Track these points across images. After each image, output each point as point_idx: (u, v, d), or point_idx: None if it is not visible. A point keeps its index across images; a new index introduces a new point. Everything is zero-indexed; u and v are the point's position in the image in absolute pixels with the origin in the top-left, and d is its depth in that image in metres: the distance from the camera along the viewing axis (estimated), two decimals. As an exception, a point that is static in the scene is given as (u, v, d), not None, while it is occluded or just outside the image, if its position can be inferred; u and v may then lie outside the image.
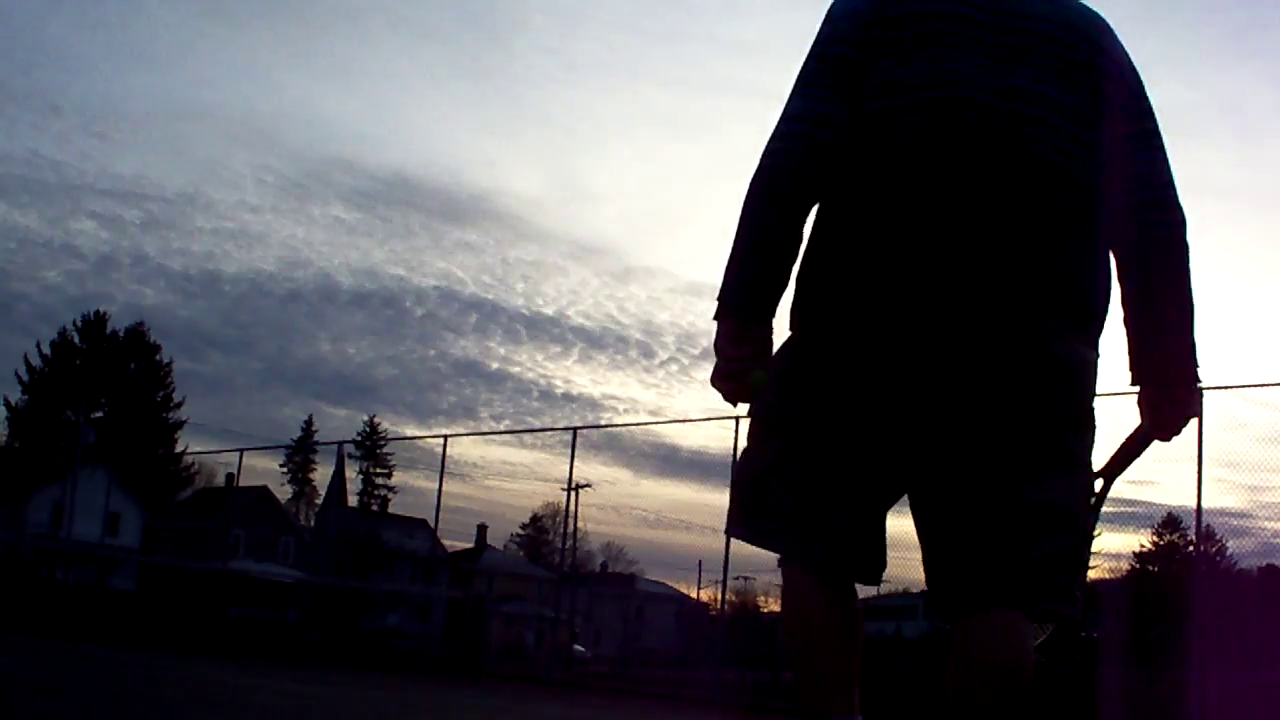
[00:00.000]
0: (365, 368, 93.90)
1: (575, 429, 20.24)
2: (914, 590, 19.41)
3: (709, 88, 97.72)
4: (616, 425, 43.39)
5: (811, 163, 2.06)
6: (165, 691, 7.73)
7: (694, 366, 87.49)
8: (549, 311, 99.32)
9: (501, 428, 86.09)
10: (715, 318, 2.12)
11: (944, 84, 2.03)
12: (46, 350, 61.61)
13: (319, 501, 61.31)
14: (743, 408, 2.19)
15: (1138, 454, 2.40)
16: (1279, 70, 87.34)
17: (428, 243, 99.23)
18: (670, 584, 58.80)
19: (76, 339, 62.24)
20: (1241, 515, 16.21)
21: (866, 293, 2.06)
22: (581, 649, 47.16)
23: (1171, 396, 2.29)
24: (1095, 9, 2.29)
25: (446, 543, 45.90)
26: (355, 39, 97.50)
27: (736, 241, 2.12)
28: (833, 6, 2.20)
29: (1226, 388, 13.43)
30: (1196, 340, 2.24)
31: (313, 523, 58.69)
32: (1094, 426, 2.21)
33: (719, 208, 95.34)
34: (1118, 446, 2.40)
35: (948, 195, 2.03)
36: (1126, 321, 2.31)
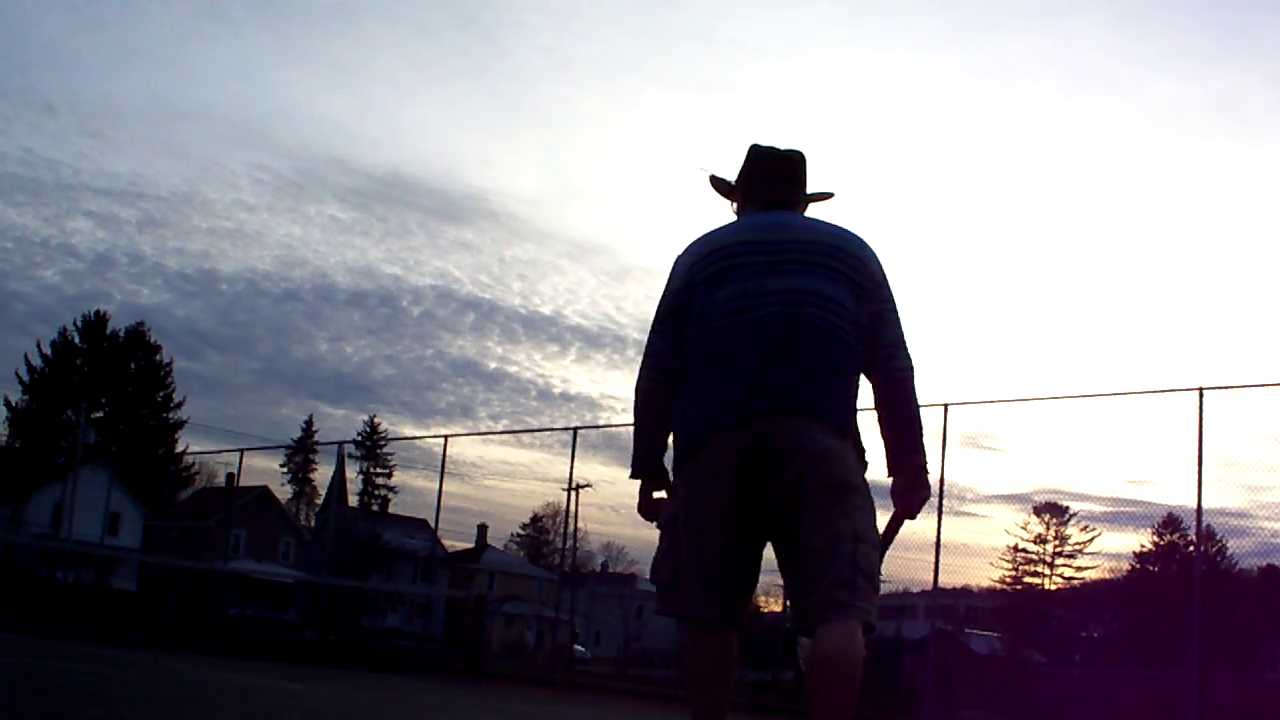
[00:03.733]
0: (363, 367, 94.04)
1: (575, 429, 20.24)
2: (914, 590, 19.40)
3: (704, 86, 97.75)
4: (616, 425, 43.30)
5: (673, 383, 3.36)
6: (165, 691, 7.73)
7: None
8: (546, 311, 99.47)
9: (500, 427, 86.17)
10: (632, 477, 3.49)
11: (744, 295, 3.26)
12: (47, 350, 61.65)
13: (319, 501, 61.32)
14: None
15: (895, 533, 3.43)
16: (1274, 69, 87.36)
17: (424, 242, 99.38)
18: (670, 584, 58.59)
19: (77, 339, 62.24)
20: (1241, 515, 16.21)
21: (693, 432, 3.24)
22: (581, 649, 47.15)
23: (911, 485, 3.39)
24: (856, 235, 3.42)
25: (446, 543, 45.82)
26: (351, 38, 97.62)
27: (637, 432, 3.44)
28: (669, 277, 3.44)
29: (1226, 388, 13.45)
30: (924, 445, 3.40)
31: (313, 523, 58.68)
32: (856, 488, 3.19)
33: (716, 206, 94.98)
34: (884, 529, 3.34)
35: (747, 356, 3.21)
36: (882, 432, 3.40)
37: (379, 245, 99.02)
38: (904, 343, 3.38)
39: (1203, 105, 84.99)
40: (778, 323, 3.21)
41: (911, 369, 3.37)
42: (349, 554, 42.32)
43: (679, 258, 3.46)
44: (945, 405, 15.30)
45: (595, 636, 55.93)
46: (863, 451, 3.33)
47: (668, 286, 3.45)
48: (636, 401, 3.42)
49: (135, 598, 35.40)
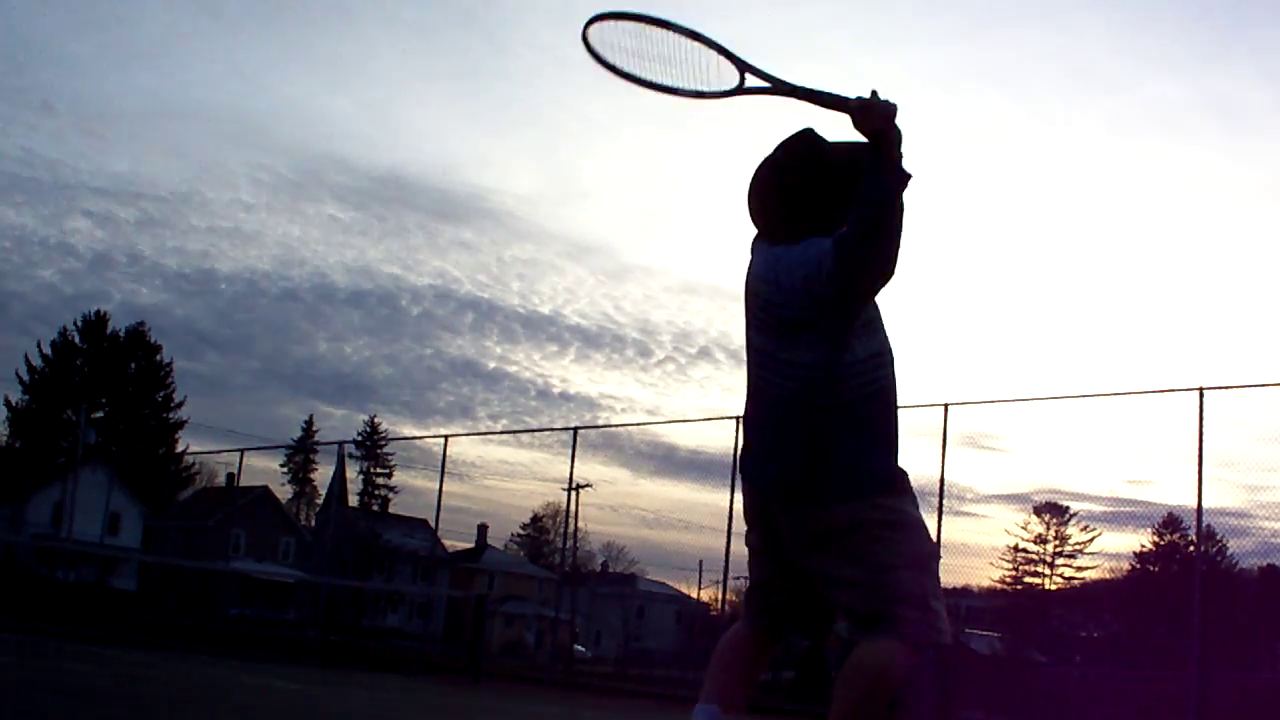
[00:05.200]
0: (362, 367, 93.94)
1: (576, 429, 20.24)
2: (914, 590, 19.36)
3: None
4: (616, 425, 43.35)
5: None
6: (166, 692, 7.73)
7: (690, 365, 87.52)
8: (545, 310, 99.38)
9: (499, 427, 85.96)
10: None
11: (759, 356, 3.17)
12: (47, 350, 61.66)
13: (319, 501, 61.25)
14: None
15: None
16: (1272, 68, 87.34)
17: (423, 241, 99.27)
18: (670, 584, 58.79)
19: (77, 339, 62.23)
20: (1241, 515, 16.20)
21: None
22: (581, 649, 47.16)
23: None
24: (816, 252, 2.99)
25: (446, 543, 45.87)
26: (349, 37, 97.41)
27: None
28: None
29: (1226, 388, 13.44)
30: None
31: (313, 523, 58.67)
32: (878, 523, 3.08)
33: (714, 206, 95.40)
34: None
35: (762, 418, 3.15)
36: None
37: (378, 245, 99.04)
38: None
39: (1200, 105, 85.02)
40: (778, 397, 3.09)
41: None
42: (349, 554, 42.27)
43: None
44: (945, 405, 15.30)
45: (595, 636, 55.94)
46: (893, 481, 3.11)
47: None
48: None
49: (135, 598, 35.38)
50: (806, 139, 3.14)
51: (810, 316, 2.99)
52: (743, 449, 3.30)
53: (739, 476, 3.39)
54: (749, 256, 3.21)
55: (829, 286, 2.95)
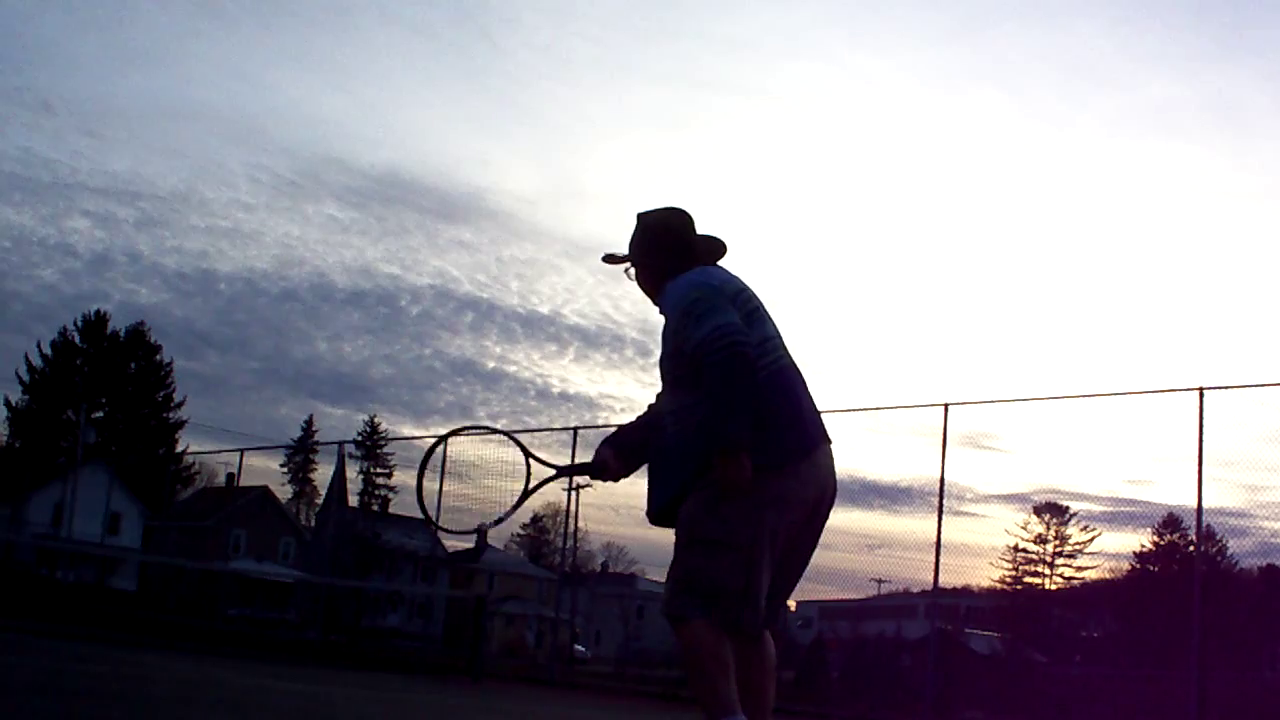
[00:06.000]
0: (361, 367, 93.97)
1: (576, 429, 20.23)
2: (914, 590, 19.39)
3: (701, 84, 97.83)
4: (616, 425, 43.31)
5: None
6: (166, 692, 7.73)
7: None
8: (544, 310, 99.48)
9: (499, 427, 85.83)
10: (730, 455, 3.35)
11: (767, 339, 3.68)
12: (47, 350, 61.64)
13: (319, 501, 61.07)
14: None
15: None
16: (1271, 68, 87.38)
17: (422, 241, 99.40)
18: (670, 584, 58.74)
19: (77, 339, 62.21)
20: (1241, 515, 16.19)
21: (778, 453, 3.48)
22: (581, 649, 47.16)
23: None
24: None
25: (447, 543, 45.85)
26: (348, 37, 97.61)
27: (741, 405, 3.36)
28: (703, 292, 3.64)
29: (1226, 388, 13.45)
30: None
31: (313, 523, 58.58)
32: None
33: (713, 205, 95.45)
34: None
35: (799, 384, 3.62)
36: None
37: (377, 244, 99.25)
38: None
39: (1199, 105, 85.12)
40: (794, 366, 3.73)
41: None
42: (349, 554, 42.24)
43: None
44: (945, 405, 15.29)
45: (595, 636, 55.94)
46: None
47: (707, 293, 3.75)
48: (745, 372, 3.43)
49: (135, 598, 35.40)
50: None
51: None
52: (797, 423, 3.53)
53: (790, 455, 3.49)
54: (720, 276, 3.82)
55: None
